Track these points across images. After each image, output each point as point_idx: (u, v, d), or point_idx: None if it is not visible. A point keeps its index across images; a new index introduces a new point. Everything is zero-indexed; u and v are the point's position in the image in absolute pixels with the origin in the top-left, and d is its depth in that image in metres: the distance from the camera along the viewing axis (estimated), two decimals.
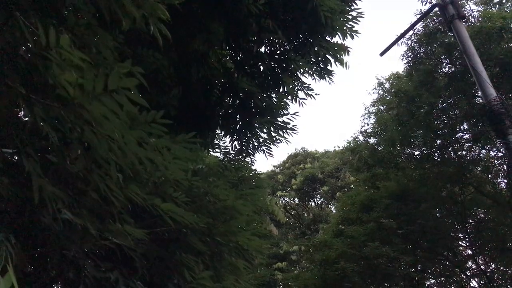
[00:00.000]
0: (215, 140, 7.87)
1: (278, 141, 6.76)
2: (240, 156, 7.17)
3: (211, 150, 7.33)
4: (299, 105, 7.23)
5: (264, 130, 6.91)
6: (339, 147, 33.10)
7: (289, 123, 6.72)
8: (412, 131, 15.30)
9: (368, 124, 20.59)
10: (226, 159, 7.10)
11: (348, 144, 21.69)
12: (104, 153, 2.29)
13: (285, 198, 37.47)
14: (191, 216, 3.29)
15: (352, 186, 29.94)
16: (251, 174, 7.46)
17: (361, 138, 20.56)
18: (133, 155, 2.37)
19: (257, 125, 6.85)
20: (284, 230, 33.12)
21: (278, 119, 6.83)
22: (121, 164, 2.48)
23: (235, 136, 6.94)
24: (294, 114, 6.73)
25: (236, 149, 7.02)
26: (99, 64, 2.40)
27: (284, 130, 6.64)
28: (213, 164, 7.35)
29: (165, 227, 3.48)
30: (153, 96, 5.62)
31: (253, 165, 8.06)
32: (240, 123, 6.83)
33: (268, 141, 6.84)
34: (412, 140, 15.80)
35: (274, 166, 40.96)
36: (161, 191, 3.43)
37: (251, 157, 7.13)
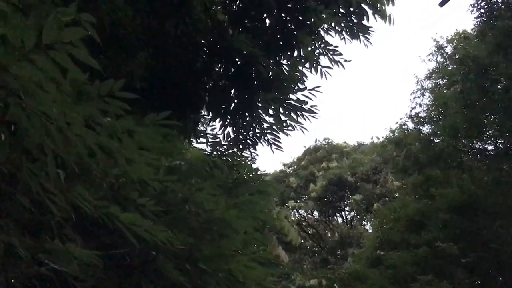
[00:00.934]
0: (199, 126, 7.76)
1: (290, 127, 6.73)
2: (235, 149, 7.13)
3: (193, 140, 7.34)
4: (322, 77, 7.13)
5: (270, 112, 6.89)
6: (378, 138, 33.10)
7: (306, 102, 6.67)
8: (483, 116, 15.12)
9: (420, 105, 20.36)
10: (215, 152, 7.11)
11: (391, 134, 21.33)
12: (38, 138, 2.25)
13: (299, 211, 37.66)
14: (163, 232, 3.28)
15: (396, 194, 29.55)
16: (251, 175, 7.42)
17: (410, 125, 20.31)
18: (80, 142, 2.34)
19: (260, 104, 6.76)
20: (298, 256, 33.10)
21: (291, 96, 6.81)
22: (62, 156, 2.46)
23: (228, 120, 6.94)
24: (314, 89, 6.63)
25: (229, 139, 7.06)
26: (31, 9, 2.31)
27: (299, 112, 6.58)
28: (196, 160, 7.33)
29: (126, 248, 3.46)
30: (111, 60, 5.56)
31: (254, 162, 8.11)
32: (236, 100, 6.84)
33: (275, 127, 6.83)
34: (483, 128, 15.53)
35: (284, 165, 41.01)
36: (120, 195, 3.43)
37: (251, 150, 7.15)
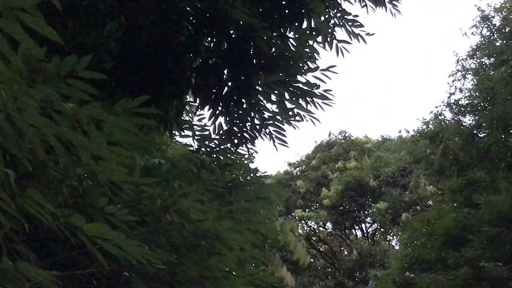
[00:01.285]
0: (184, 115, 7.73)
1: (298, 118, 6.74)
2: (229, 145, 7.16)
3: (176, 133, 7.36)
4: (337, 54, 7.13)
5: (273, 98, 6.85)
6: (407, 131, 32.99)
7: (318, 86, 6.54)
8: None
9: (461, 91, 20.57)
10: (204, 149, 7.11)
11: (424, 127, 21.53)
12: None
13: (309, 222, 37.55)
14: (138, 248, 3.30)
15: (430, 202, 29.86)
16: (248, 178, 7.41)
17: (448, 115, 20.49)
18: (33, 133, 2.32)
19: (261, 88, 6.70)
20: (307, 279, 32.98)
21: (299, 78, 6.69)
22: (11, 151, 2.46)
23: (220, 108, 6.93)
24: (328, 69, 6.60)
25: (222, 132, 7.05)
26: None
27: (309, 99, 6.61)
28: (180, 158, 7.34)
29: (91, 268, 3.49)
30: (74, 32, 5.54)
31: (252, 162, 8.11)
32: (230, 83, 6.79)
33: (279, 117, 6.83)
34: None
35: (290, 165, 40.67)
36: (85, 202, 3.45)
37: (249, 146, 7.18)
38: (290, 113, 6.85)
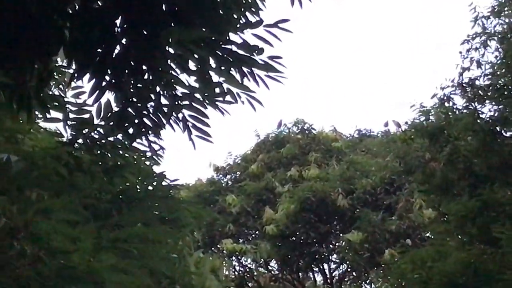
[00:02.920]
0: (52, 87, 7.79)
1: (230, 98, 6.86)
2: (121, 135, 7.28)
3: (39, 114, 7.41)
4: (293, 3, 7.20)
5: (191, 65, 6.70)
6: (398, 125, 31.92)
7: (261, 50, 6.55)
8: None
9: (480, 65, 19.12)
10: (81, 140, 7.18)
11: (421, 119, 19.87)
12: None
13: (244, 259, 35.00)
14: None
15: (427, 233, 28.98)
16: (149, 187, 7.40)
17: (458, 101, 18.65)
18: None
19: (172, 50, 6.73)
20: None
21: (231, 36, 6.63)
22: None
23: (108, 78, 6.89)
24: (276, 25, 6.53)
25: (110, 115, 7.12)
26: None
27: (246, 69, 6.68)
28: (43, 154, 7.20)
29: None
30: None
31: (158, 163, 8.06)
32: (125, 40, 6.73)
33: (200, 96, 6.90)
34: None
35: (217, 171, 38.08)
36: None
37: (153, 138, 7.30)
38: (217, 89, 6.84)
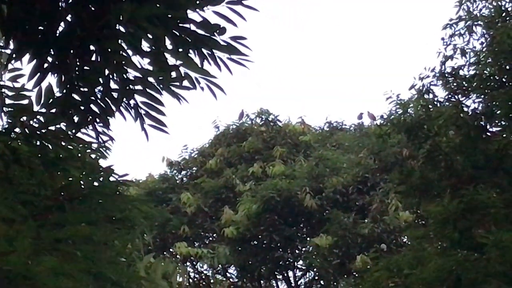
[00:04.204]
0: None
1: (188, 83, 6.96)
2: (64, 124, 7.30)
3: None
4: None
5: (145, 46, 6.78)
6: (373, 118, 31.92)
7: (223, 29, 6.71)
8: None
9: (464, 53, 18.70)
10: (18, 129, 7.18)
11: (398, 112, 19.32)
12: None
13: (200, 265, 35.69)
14: None
15: (404, 237, 28.74)
16: (95, 183, 7.30)
17: (439, 93, 18.09)
18: None
19: (123, 29, 6.81)
20: None
21: (190, 13, 6.78)
22: None
23: (50, 59, 7.07)
24: (241, 1, 6.76)
25: (52, 100, 7.14)
26: None
27: (207, 51, 6.81)
28: None
29: None
30: None
31: (105, 156, 8.01)
32: (70, 16, 6.91)
33: (154, 80, 6.98)
34: None
35: (171, 165, 38.48)
36: None
37: (100, 127, 7.34)
38: (173, 73, 6.92)
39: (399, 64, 73.74)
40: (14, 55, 6.62)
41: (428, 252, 16.62)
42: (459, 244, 15.99)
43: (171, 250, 30.59)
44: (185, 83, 6.85)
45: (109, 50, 6.62)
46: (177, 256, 30.08)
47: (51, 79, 6.81)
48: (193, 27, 6.65)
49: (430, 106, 18.79)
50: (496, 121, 17.26)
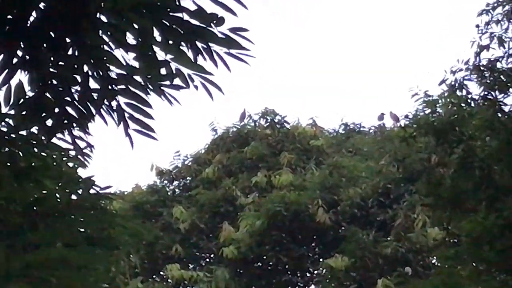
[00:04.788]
0: None
1: (180, 81, 6.81)
2: (36, 128, 7.14)
3: None
4: None
5: (130, 39, 6.58)
6: (396, 119, 30.91)
7: (222, 20, 6.57)
8: None
9: (503, 43, 18.06)
10: None
11: (426, 111, 18.85)
12: None
13: None
14: None
15: (433, 258, 27.30)
16: (73, 197, 7.00)
17: (474, 89, 17.32)
18: None
19: (105, 19, 6.72)
20: None
21: (183, 0, 6.45)
22: None
23: (21, 54, 6.90)
24: None
25: (24, 101, 7.01)
26: None
27: (201, 44, 6.61)
28: None
29: None
30: None
31: (84, 165, 7.73)
32: (44, 5, 6.70)
33: (140, 79, 6.88)
34: None
35: (160, 175, 36.63)
36: None
37: (78, 132, 7.15)
38: (163, 70, 6.73)
39: (400, 61, 74.48)
40: None
41: (461, 276, 15.99)
42: (497, 267, 15.36)
43: (161, 273, 29.95)
44: (177, 81, 6.62)
45: (89, 43, 6.50)
46: (169, 280, 29.43)
47: (21, 76, 6.64)
48: (186, 17, 6.39)
49: (463, 105, 17.78)
50: None
